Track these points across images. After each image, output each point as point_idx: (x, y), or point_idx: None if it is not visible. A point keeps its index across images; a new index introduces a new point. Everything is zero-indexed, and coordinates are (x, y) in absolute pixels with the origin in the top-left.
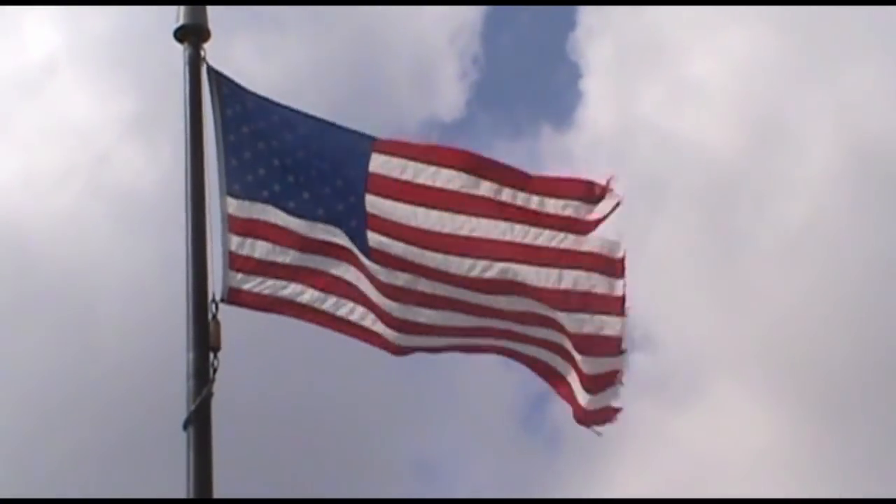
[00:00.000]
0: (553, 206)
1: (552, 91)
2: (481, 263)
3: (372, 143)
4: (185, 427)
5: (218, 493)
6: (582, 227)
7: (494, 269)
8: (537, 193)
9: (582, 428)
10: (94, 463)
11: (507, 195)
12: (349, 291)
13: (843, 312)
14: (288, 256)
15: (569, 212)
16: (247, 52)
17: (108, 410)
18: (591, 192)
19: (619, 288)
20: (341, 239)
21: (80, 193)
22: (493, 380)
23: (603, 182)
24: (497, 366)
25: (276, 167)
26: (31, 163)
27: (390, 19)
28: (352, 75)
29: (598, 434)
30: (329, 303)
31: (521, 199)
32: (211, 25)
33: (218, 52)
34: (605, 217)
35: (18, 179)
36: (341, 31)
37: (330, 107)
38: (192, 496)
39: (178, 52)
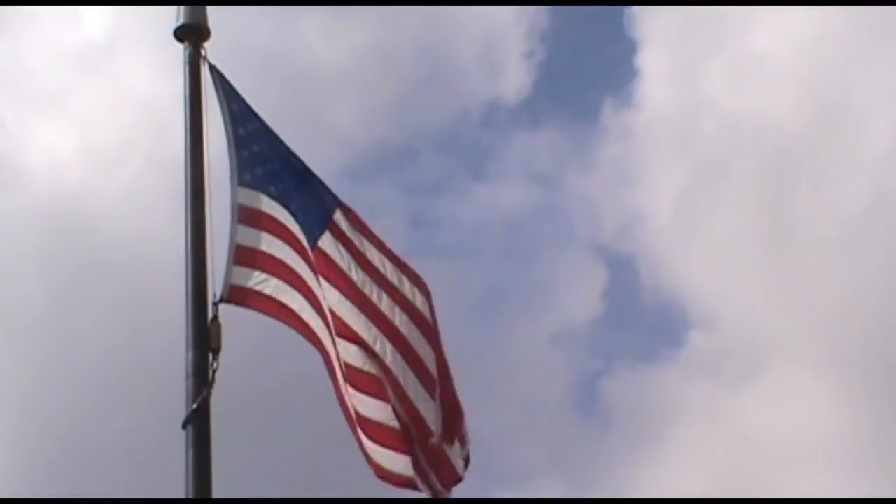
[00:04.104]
0: None
1: (615, 69)
2: None
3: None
4: (185, 426)
5: (217, 491)
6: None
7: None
8: None
9: (635, 406)
10: (158, 430)
11: None
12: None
13: None
14: (287, 255)
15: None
16: (312, 31)
17: (162, 388)
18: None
19: None
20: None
21: (139, 168)
22: (544, 360)
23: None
24: (549, 346)
25: (275, 167)
26: (91, 137)
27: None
28: (417, 56)
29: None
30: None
31: None
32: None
33: (282, 32)
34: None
35: (79, 154)
36: (408, 11)
37: (394, 87)
38: (191, 494)
39: (236, 24)
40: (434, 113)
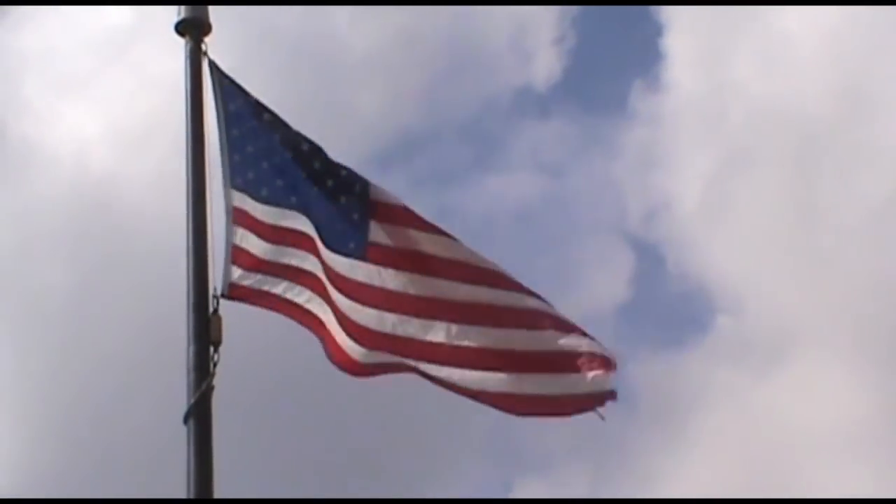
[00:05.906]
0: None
1: (643, 53)
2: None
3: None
4: (186, 420)
5: (218, 485)
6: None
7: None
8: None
9: (660, 393)
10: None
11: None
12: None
13: None
14: (286, 256)
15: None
16: (340, 17)
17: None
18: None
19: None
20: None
21: (164, 152)
22: None
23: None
24: None
25: (277, 164)
26: (116, 121)
27: None
28: (446, 42)
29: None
30: (315, 302)
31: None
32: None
33: (310, 18)
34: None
35: (104, 138)
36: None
37: (422, 74)
38: (192, 489)
39: (264, 11)
40: (462, 101)
